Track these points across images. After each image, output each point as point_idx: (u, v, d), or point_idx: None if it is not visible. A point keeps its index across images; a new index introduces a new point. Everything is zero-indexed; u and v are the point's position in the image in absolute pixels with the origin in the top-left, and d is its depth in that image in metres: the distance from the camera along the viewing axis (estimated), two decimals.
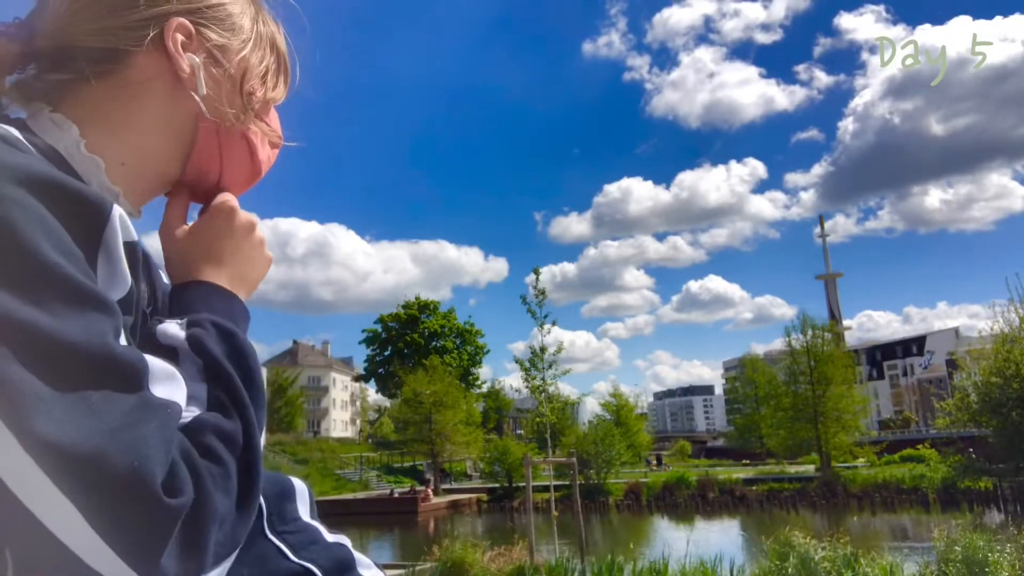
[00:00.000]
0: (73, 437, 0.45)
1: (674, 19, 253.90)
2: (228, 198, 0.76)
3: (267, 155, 0.79)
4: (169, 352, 0.62)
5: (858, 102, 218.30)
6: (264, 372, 0.68)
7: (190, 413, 0.57)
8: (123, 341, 0.53)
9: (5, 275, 0.47)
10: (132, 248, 0.59)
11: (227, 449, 0.55)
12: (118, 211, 0.56)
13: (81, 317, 0.49)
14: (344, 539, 0.75)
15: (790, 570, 8.65)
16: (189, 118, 0.71)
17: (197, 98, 0.69)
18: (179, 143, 0.71)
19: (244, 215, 0.76)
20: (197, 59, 0.69)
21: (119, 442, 0.46)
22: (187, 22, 0.69)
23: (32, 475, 0.44)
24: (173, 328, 0.64)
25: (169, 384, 0.55)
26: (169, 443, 0.50)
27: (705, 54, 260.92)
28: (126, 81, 0.67)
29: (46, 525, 0.45)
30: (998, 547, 8.28)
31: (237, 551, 0.56)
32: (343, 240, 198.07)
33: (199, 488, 0.50)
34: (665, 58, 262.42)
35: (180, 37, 0.68)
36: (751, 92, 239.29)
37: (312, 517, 0.74)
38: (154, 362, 0.54)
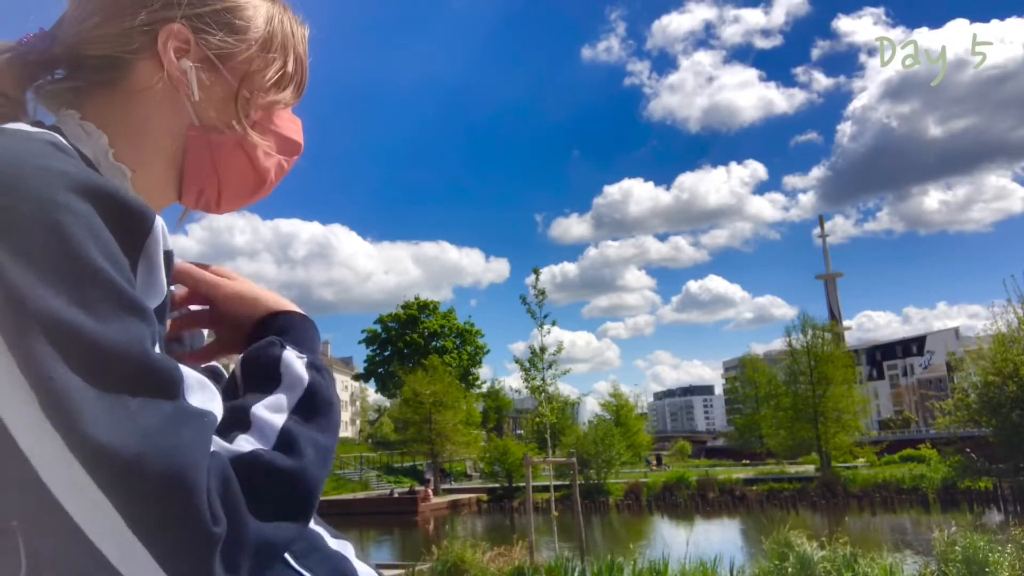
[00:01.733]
0: (116, 439, 0.46)
1: (673, 25, 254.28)
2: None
3: (274, 163, 0.77)
4: (272, 379, 0.65)
5: (857, 104, 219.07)
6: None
7: (249, 445, 0.57)
8: (157, 349, 0.54)
9: (54, 277, 0.48)
10: (169, 257, 0.61)
11: (279, 487, 0.56)
12: (160, 222, 0.58)
13: (122, 322, 0.50)
14: (347, 545, 0.74)
15: (790, 570, 8.64)
16: (186, 127, 0.70)
17: (188, 105, 0.69)
18: (180, 152, 0.71)
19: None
20: (189, 64, 0.68)
21: (160, 446, 0.47)
22: (184, 27, 0.68)
23: (77, 476, 0.45)
24: (297, 363, 0.66)
25: (203, 393, 0.56)
26: (206, 450, 0.51)
27: (704, 57, 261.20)
28: (129, 89, 0.67)
29: (82, 527, 0.46)
30: (998, 547, 8.27)
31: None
32: (345, 241, 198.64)
33: (234, 516, 0.51)
34: (664, 62, 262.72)
35: (175, 43, 0.67)
36: (750, 95, 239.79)
37: (315, 522, 0.74)
38: (188, 372, 0.55)
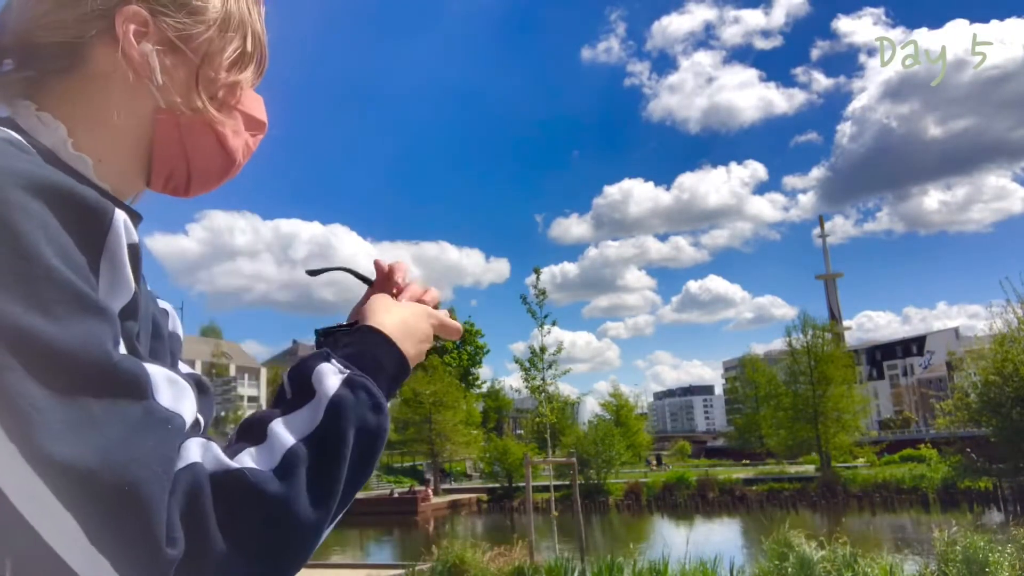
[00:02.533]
0: (74, 450, 0.44)
1: (673, 26, 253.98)
2: (453, 327, 0.84)
3: (242, 143, 0.75)
4: (306, 392, 0.61)
5: (856, 105, 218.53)
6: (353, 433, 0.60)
7: (249, 458, 0.55)
8: (123, 349, 0.52)
9: (5, 280, 0.46)
10: (135, 251, 0.58)
11: (258, 515, 0.52)
12: (121, 216, 0.56)
13: (82, 324, 0.48)
14: None
15: (790, 570, 8.64)
16: (150, 110, 0.68)
17: (153, 89, 0.67)
18: (146, 137, 0.69)
19: (456, 324, 0.84)
20: (150, 48, 0.66)
21: (116, 459, 0.45)
22: (141, 10, 0.66)
23: (35, 489, 0.44)
24: (331, 376, 0.62)
25: (172, 391, 0.54)
26: (171, 460, 0.49)
27: (704, 58, 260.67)
28: (88, 75, 0.65)
29: (45, 539, 0.45)
30: (998, 547, 8.27)
31: None
32: (345, 241, 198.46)
33: (197, 534, 0.48)
34: (664, 63, 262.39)
35: (132, 26, 0.65)
36: (750, 95, 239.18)
37: None
38: (156, 369, 0.53)
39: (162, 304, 0.74)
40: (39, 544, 0.45)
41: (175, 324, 0.76)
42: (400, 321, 0.74)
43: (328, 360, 0.63)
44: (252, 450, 0.56)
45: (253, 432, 0.58)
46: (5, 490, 0.44)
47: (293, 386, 0.63)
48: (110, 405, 0.47)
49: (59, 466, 0.44)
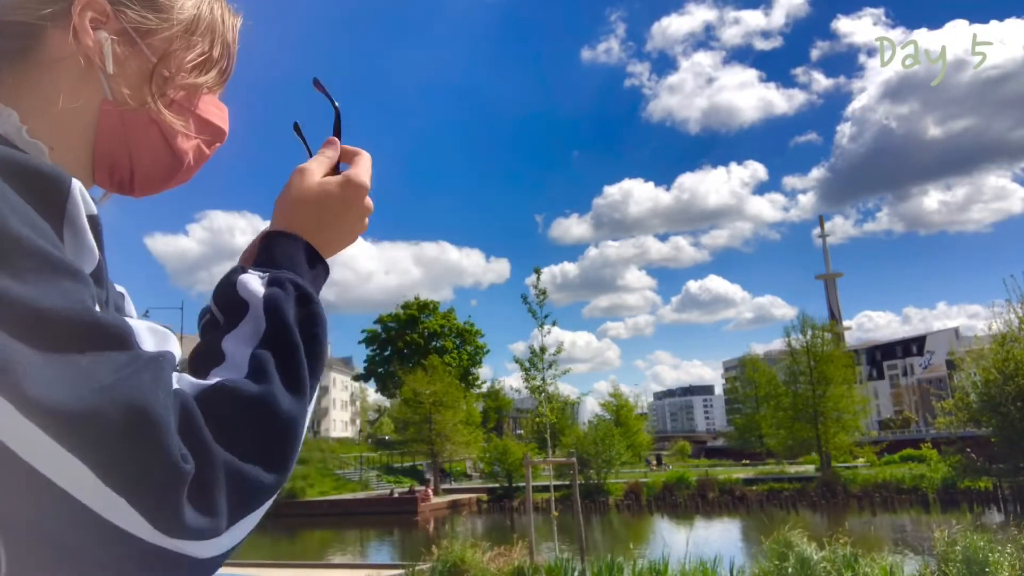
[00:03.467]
0: (70, 396, 0.45)
1: (673, 27, 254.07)
2: (365, 175, 0.76)
3: (193, 146, 0.74)
4: (240, 306, 0.62)
5: (856, 105, 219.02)
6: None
7: (217, 376, 0.56)
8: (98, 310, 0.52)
9: None
10: (95, 221, 0.57)
11: (246, 415, 0.53)
12: (77, 184, 0.55)
13: (58, 286, 0.48)
14: None
15: (790, 570, 8.64)
16: (99, 101, 0.67)
17: (103, 78, 0.66)
18: (94, 128, 0.67)
19: (369, 200, 0.77)
20: (105, 36, 0.65)
21: (116, 394, 0.46)
22: None
23: (38, 440, 0.44)
24: (254, 282, 0.63)
25: (154, 338, 0.55)
26: (168, 391, 0.50)
27: (704, 58, 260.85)
28: (42, 59, 0.64)
29: (60, 486, 0.45)
30: (998, 547, 8.26)
31: (269, 503, 0.55)
32: None
33: (196, 448, 0.49)
34: (664, 63, 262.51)
35: (90, 13, 0.64)
36: (750, 96, 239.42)
37: None
38: (136, 322, 0.54)
39: (118, 288, 0.72)
40: (55, 492, 0.45)
41: (130, 308, 0.74)
42: (312, 211, 0.73)
43: (245, 272, 0.64)
44: (217, 370, 0.57)
45: (209, 358, 0.59)
46: (10, 445, 0.44)
47: (224, 307, 0.63)
48: (97, 355, 0.48)
49: (58, 413, 0.44)
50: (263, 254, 0.69)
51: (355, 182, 0.75)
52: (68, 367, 0.46)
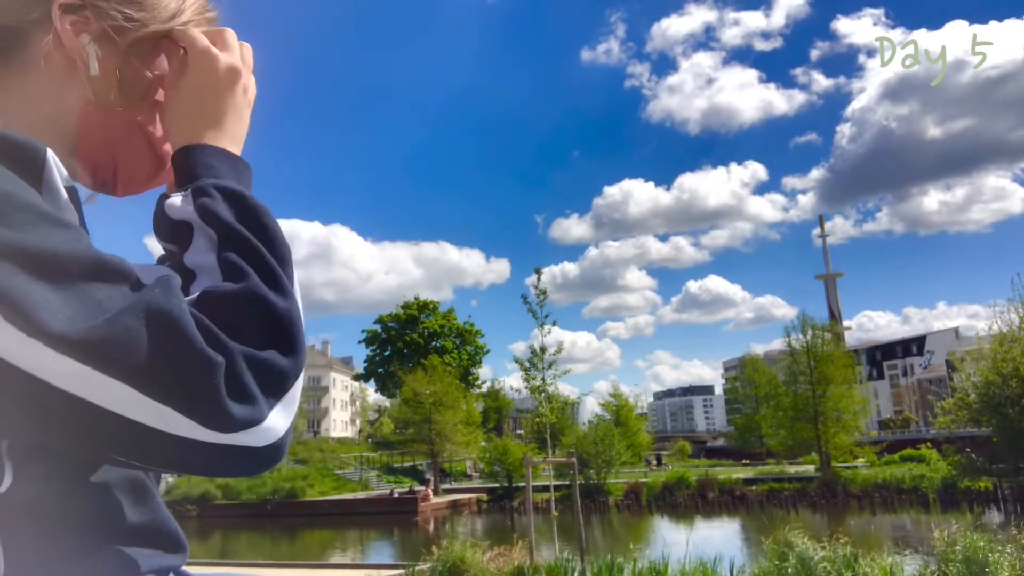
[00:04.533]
0: (95, 325, 0.47)
1: (673, 28, 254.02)
2: (201, 41, 0.71)
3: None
4: (183, 228, 0.62)
5: (856, 106, 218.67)
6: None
7: (198, 288, 0.57)
8: None
9: None
10: (73, 192, 0.58)
11: (240, 309, 0.55)
12: (51, 153, 0.56)
13: (61, 232, 0.50)
14: None
15: (790, 570, 8.64)
16: (80, 101, 0.67)
17: (84, 80, 0.66)
18: (74, 128, 0.68)
19: (225, 59, 0.71)
20: (87, 37, 0.65)
21: (138, 311, 0.49)
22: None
23: (77, 371, 0.47)
24: (178, 201, 0.63)
25: (157, 271, 0.56)
26: (181, 298, 0.52)
27: (704, 59, 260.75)
28: (26, 61, 0.64)
29: (110, 409, 0.48)
30: (998, 548, 8.26)
31: (296, 389, 0.57)
32: (346, 241, 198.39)
33: (219, 345, 0.52)
34: (664, 64, 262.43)
35: (72, 16, 0.64)
36: (750, 96, 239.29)
37: None
38: (135, 265, 0.55)
39: None
40: (109, 417, 0.48)
41: None
42: (196, 114, 0.69)
43: (168, 197, 0.64)
44: (194, 284, 0.59)
45: (183, 279, 0.59)
46: (52, 381, 0.47)
47: (169, 237, 0.64)
48: (110, 287, 0.50)
49: (89, 344, 0.47)
50: (178, 176, 0.67)
51: (197, 55, 0.70)
52: (86, 300, 0.48)
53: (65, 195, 0.57)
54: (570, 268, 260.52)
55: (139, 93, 0.70)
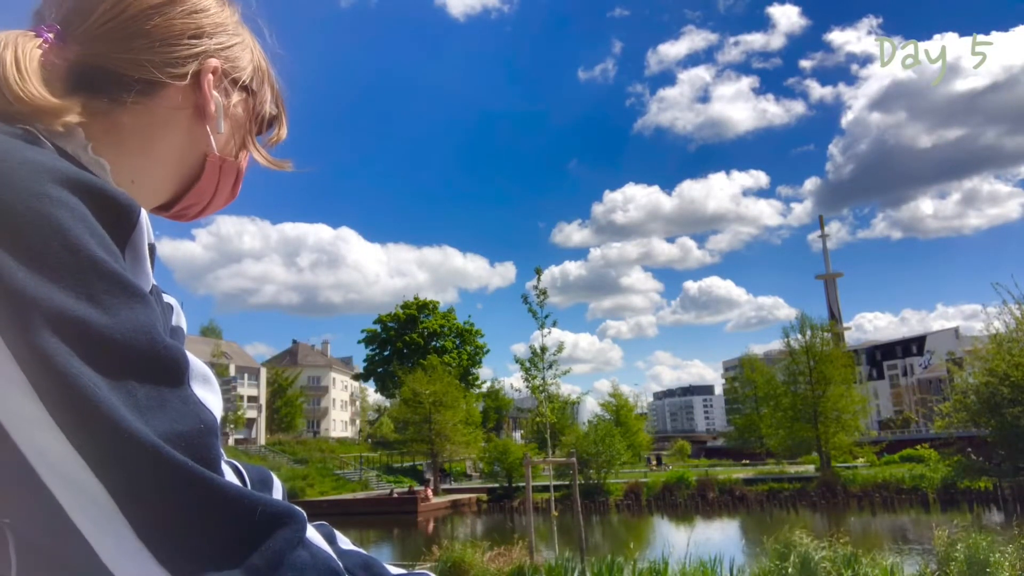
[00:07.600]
0: (132, 430, 0.46)
1: (674, 51, 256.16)
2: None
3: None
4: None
5: (852, 116, 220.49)
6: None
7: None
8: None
9: (58, 272, 0.48)
10: (152, 250, 0.62)
11: None
12: (145, 214, 0.58)
13: (130, 311, 0.50)
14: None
15: (790, 570, 8.63)
16: (200, 152, 0.73)
17: (212, 136, 0.73)
18: (184, 174, 0.74)
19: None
20: (220, 99, 0.72)
21: (171, 438, 0.48)
22: (219, 63, 0.72)
23: (79, 473, 0.45)
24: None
25: (204, 387, 0.56)
26: (211, 446, 0.51)
27: (703, 72, 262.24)
28: (152, 110, 0.69)
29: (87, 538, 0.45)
30: (999, 547, 8.26)
31: None
32: (353, 244, 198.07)
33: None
34: (664, 77, 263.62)
35: (211, 77, 0.71)
36: (747, 107, 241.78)
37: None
38: (194, 360, 0.56)
39: (167, 298, 0.74)
40: (69, 531, 0.46)
41: (179, 319, 0.77)
42: None
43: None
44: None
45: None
46: (47, 483, 0.45)
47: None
48: (154, 388, 0.49)
49: (117, 452, 0.46)
50: None
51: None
52: (127, 401, 0.47)
53: (147, 257, 0.59)
54: (573, 270, 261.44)
55: (247, 144, 0.79)
